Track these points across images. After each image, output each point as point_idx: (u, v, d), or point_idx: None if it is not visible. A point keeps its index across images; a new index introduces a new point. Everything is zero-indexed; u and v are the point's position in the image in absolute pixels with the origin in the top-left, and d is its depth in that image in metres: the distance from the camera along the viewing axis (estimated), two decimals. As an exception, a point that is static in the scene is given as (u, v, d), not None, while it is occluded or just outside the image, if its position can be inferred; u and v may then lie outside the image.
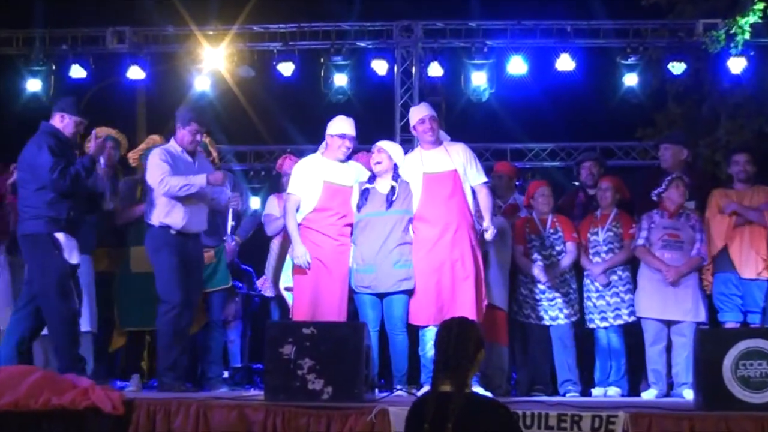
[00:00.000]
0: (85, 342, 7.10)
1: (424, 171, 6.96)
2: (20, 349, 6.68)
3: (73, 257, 6.68)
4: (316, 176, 6.96)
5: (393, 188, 6.96)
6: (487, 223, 6.85)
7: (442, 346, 4.23)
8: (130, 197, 7.46)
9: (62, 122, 6.86)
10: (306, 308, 6.83)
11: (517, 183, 8.82)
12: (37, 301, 6.65)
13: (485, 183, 7.03)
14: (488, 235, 6.85)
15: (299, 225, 6.95)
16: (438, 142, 7.06)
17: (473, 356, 4.20)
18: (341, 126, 7.05)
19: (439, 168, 6.95)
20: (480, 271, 6.89)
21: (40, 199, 6.60)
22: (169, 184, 6.81)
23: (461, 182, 6.92)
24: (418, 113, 7.11)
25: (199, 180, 6.92)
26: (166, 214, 6.86)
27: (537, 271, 7.62)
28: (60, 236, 6.61)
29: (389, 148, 7.11)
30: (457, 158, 6.96)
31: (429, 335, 6.76)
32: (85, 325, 7.11)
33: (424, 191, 6.94)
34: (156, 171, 6.86)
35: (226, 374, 8.20)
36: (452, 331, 4.25)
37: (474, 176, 6.98)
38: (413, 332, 6.98)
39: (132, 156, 7.65)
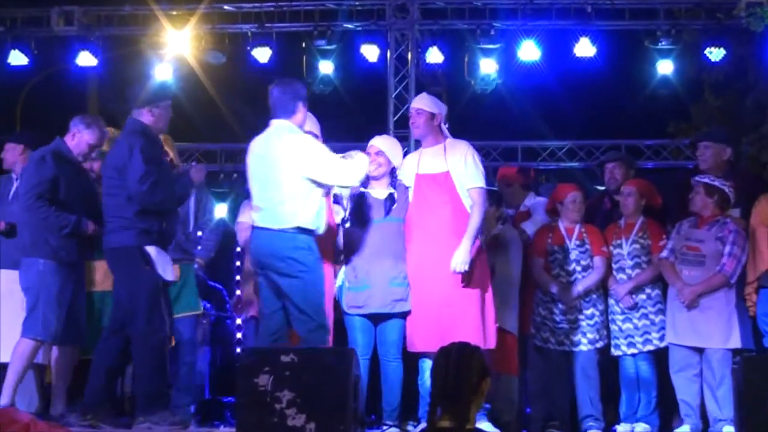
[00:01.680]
0: (27, 374, 7.09)
1: (418, 171, 7.01)
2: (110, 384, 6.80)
3: (168, 272, 6.72)
4: None
5: (391, 194, 6.98)
6: (458, 250, 6.70)
7: (440, 374, 4.21)
8: None
9: (152, 116, 6.85)
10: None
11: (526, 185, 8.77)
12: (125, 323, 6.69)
13: (480, 189, 6.92)
14: (452, 264, 6.70)
15: None
16: (438, 140, 7.08)
17: (476, 386, 4.17)
18: None
19: (433, 169, 6.99)
20: (486, 289, 6.89)
21: (130, 208, 6.62)
22: (354, 171, 6.55)
23: (455, 186, 6.93)
24: (412, 104, 7.16)
25: (366, 161, 6.70)
26: (316, 212, 6.53)
27: (557, 288, 7.62)
28: (151, 250, 6.64)
29: (387, 148, 7.11)
30: (452, 158, 6.98)
31: (428, 363, 6.76)
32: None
33: (416, 194, 7.00)
34: (331, 158, 6.50)
35: (191, 408, 8.20)
36: (451, 357, 4.22)
37: (466, 179, 6.94)
38: (410, 360, 6.99)
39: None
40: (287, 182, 6.41)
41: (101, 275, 7.35)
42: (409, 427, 6.77)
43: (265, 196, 6.47)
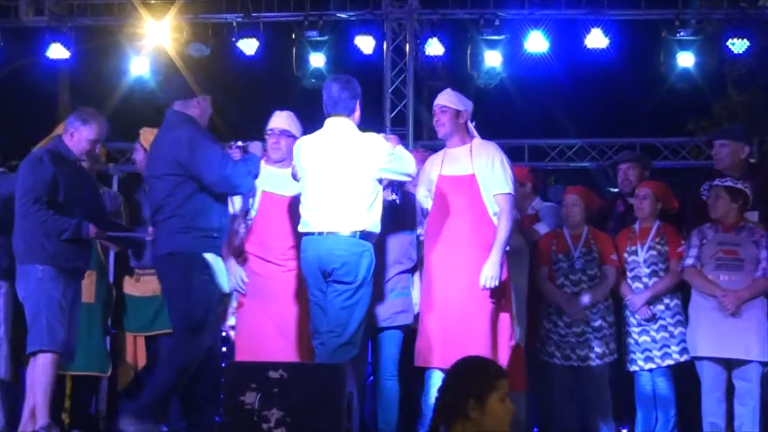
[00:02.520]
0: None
1: (441, 172, 7.01)
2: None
3: (225, 283, 6.68)
4: (257, 185, 7.04)
5: (393, 201, 7.01)
6: (487, 263, 6.69)
7: (439, 393, 4.14)
8: None
9: (199, 109, 6.84)
10: (249, 357, 6.92)
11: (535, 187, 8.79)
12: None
13: (507, 196, 6.88)
14: (481, 280, 6.68)
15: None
16: (465, 140, 7.08)
17: (463, 407, 4.05)
18: (271, 121, 7.26)
19: (457, 171, 6.97)
20: (503, 303, 6.86)
21: (189, 207, 6.58)
22: (412, 162, 6.78)
23: (480, 190, 6.93)
24: (436, 101, 7.19)
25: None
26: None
27: (561, 299, 7.63)
28: (209, 257, 6.60)
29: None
30: (479, 160, 6.96)
31: (435, 379, 6.78)
32: None
33: (436, 198, 6.99)
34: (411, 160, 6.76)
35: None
36: (451, 372, 4.14)
37: (493, 184, 6.90)
38: (408, 375, 7.01)
39: None
40: (358, 184, 6.53)
41: None
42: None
43: (329, 198, 6.53)
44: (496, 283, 6.65)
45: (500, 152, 7.02)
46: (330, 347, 6.43)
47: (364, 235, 6.50)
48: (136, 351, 7.50)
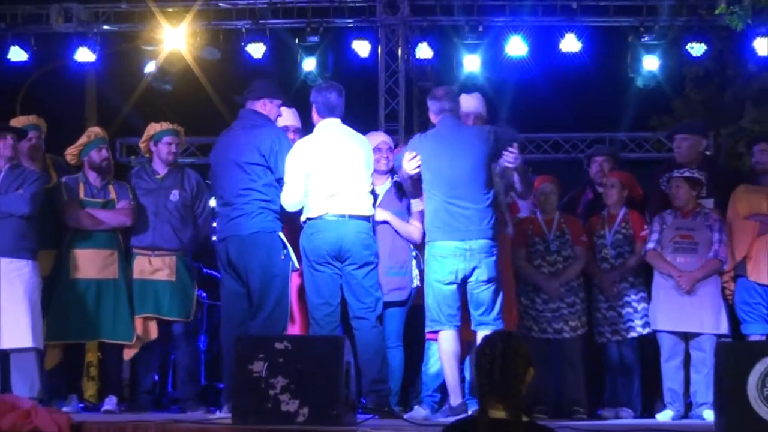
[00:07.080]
0: (29, 360, 7.07)
1: None
2: None
3: (296, 259, 6.81)
4: None
5: (394, 183, 7.12)
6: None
7: (487, 365, 4.02)
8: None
9: (265, 109, 7.02)
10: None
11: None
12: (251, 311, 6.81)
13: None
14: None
15: None
16: None
17: (523, 376, 4.04)
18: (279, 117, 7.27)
19: None
20: (503, 283, 6.85)
21: (264, 193, 6.77)
22: None
23: None
24: (465, 104, 7.12)
25: None
26: None
27: (540, 279, 7.65)
28: (282, 236, 6.79)
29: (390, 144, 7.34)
30: None
31: (435, 349, 6.82)
32: (27, 340, 6.99)
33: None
34: None
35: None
36: (497, 346, 4.04)
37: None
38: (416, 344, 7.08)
39: (71, 152, 7.54)
40: (364, 175, 6.69)
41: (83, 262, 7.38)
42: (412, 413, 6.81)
43: (348, 186, 6.61)
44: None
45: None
46: (373, 320, 6.58)
47: (371, 219, 6.69)
48: (146, 331, 7.45)
